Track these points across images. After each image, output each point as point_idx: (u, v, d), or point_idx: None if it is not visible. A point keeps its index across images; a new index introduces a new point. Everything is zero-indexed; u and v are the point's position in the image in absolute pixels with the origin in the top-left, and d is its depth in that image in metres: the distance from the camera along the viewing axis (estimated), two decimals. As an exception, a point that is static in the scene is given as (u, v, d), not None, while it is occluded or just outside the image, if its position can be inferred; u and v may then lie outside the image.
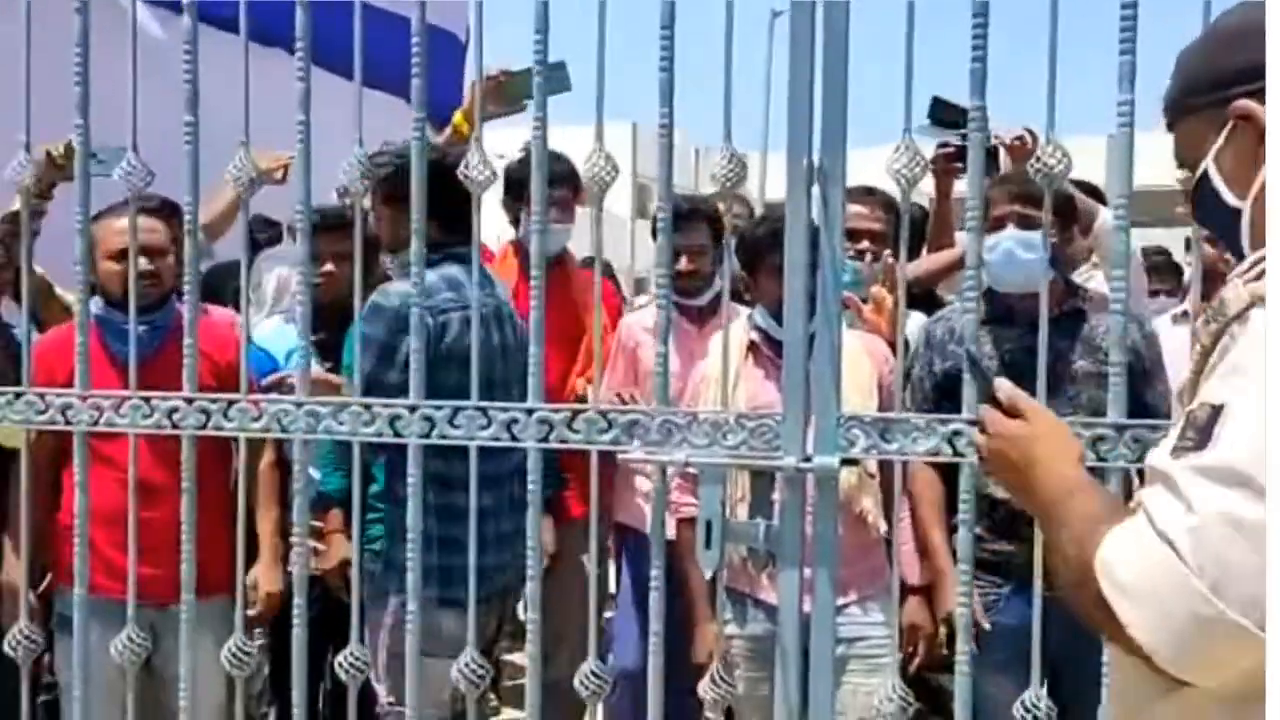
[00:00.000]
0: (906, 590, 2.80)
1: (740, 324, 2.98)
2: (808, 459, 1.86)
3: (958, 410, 2.71)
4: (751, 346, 2.82)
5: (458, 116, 3.14)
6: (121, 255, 2.71)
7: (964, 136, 3.25)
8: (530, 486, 1.99)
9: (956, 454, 1.83)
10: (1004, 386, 1.43)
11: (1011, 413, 1.40)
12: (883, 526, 2.80)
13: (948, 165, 3.29)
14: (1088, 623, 1.16)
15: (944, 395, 2.71)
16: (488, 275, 2.83)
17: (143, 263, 2.81)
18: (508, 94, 2.83)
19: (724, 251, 3.72)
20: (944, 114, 3.24)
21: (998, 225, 2.68)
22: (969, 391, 1.83)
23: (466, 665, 2.05)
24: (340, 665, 2.08)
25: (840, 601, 1.91)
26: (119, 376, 2.54)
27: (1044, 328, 1.85)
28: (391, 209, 2.65)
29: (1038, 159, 1.81)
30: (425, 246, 2.03)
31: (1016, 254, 2.68)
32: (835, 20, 1.82)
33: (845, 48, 1.84)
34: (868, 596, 2.71)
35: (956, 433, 1.82)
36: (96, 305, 2.98)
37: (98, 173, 2.10)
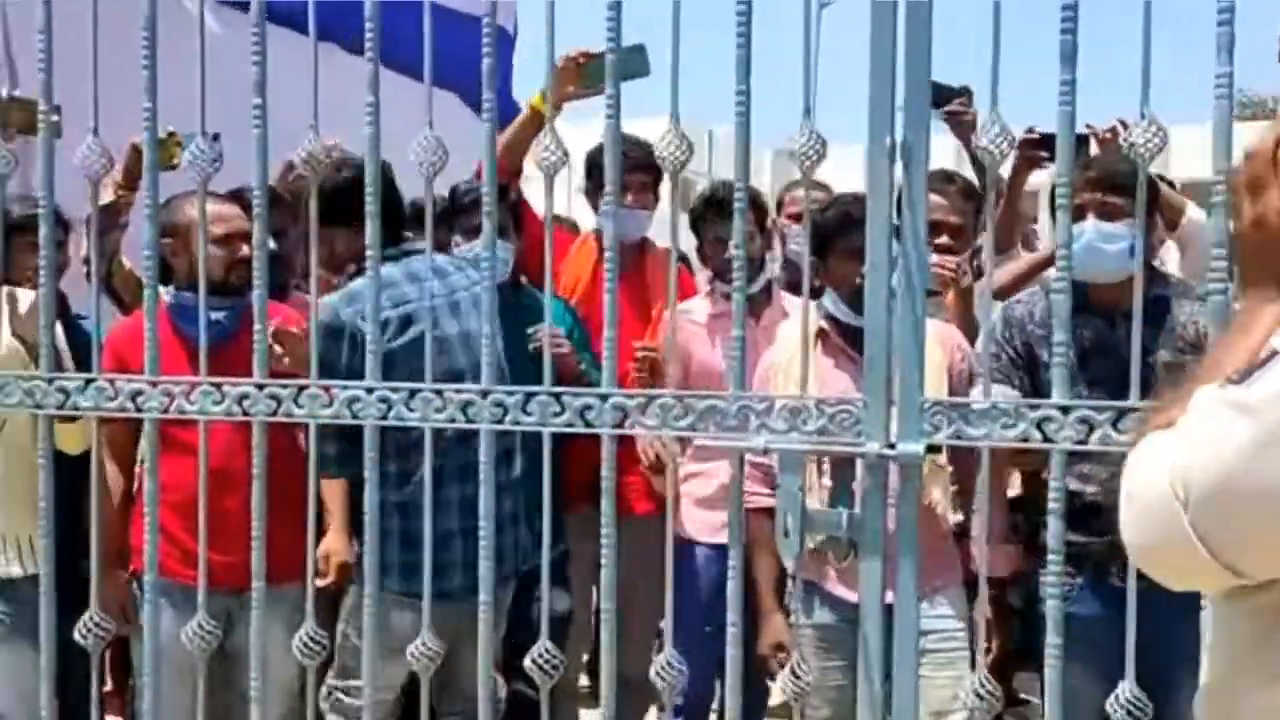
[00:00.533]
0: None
1: (810, 311, 2.94)
2: (891, 445, 1.81)
3: (1035, 387, 2.68)
4: (820, 334, 2.77)
5: (535, 98, 3.07)
6: (222, 242, 2.73)
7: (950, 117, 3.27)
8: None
9: (1046, 440, 1.77)
10: None
11: None
12: (952, 517, 2.75)
13: (1031, 153, 3.19)
14: None
15: (1023, 371, 2.65)
16: (440, 267, 2.87)
17: (245, 250, 2.84)
18: (587, 75, 2.75)
19: (771, 237, 3.69)
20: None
21: (1078, 214, 2.61)
22: (1059, 374, 1.78)
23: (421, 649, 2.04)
24: (412, 654, 2.05)
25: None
26: (188, 364, 2.55)
27: (1138, 321, 1.77)
28: (324, 228, 2.44)
29: (1128, 138, 1.76)
30: (362, 251, 2.07)
31: (1097, 245, 2.60)
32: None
33: (929, 21, 1.79)
34: (937, 589, 2.66)
35: (1046, 418, 1.77)
36: (168, 293, 2.99)
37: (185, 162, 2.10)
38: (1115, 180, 2.57)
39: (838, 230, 2.61)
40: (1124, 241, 2.57)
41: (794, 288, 3.35)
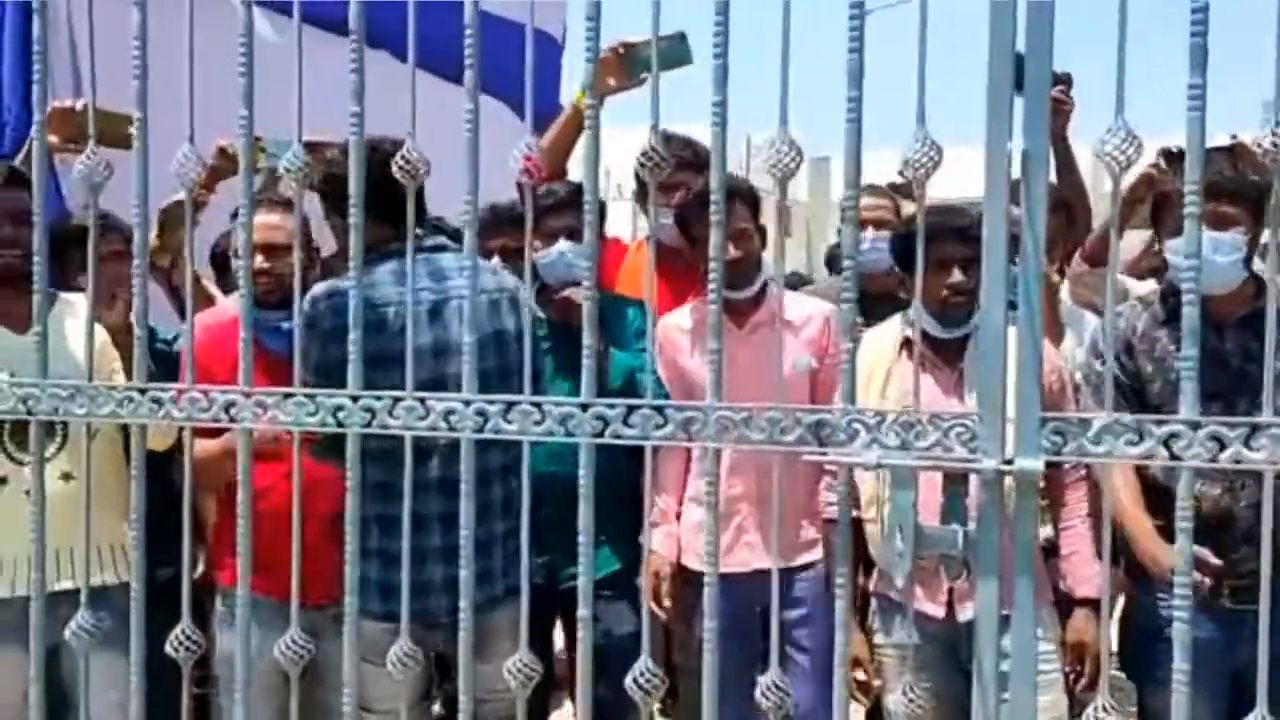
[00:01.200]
0: (1073, 603, 2.68)
1: (894, 322, 2.88)
2: (1009, 461, 1.76)
3: (1143, 404, 2.61)
4: (905, 343, 2.71)
5: (578, 94, 3.01)
6: (281, 252, 2.73)
7: None
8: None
9: (1174, 457, 1.71)
10: None
11: None
12: (1042, 534, 2.69)
13: (1165, 169, 3.10)
14: None
15: (1121, 392, 2.58)
16: (441, 268, 2.78)
17: (258, 261, 2.84)
18: (629, 66, 2.68)
19: (765, 234, 3.50)
20: None
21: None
22: (1189, 389, 1.71)
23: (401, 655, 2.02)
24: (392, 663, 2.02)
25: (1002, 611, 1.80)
26: (263, 375, 2.52)
27: (1271, 333, 1.70)
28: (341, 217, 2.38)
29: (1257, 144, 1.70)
30: (368, 244, 2.08)
31: (1209, 256, 2.52)
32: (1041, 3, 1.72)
33: (1051, 24, 1.73)
34: (1027, 608, 2.59)
35: (1174, 435, 1.70)
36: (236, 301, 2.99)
37: (267, 164, 2.08)
38: (1225, 187, 2.50)
39: (928, 240, 2.55)
40: (1237, 252, 2.50)
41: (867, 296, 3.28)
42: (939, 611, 2.62)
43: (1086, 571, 2.64)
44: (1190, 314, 1.72)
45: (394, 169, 1.99)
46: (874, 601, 2.76)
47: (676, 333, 3.19)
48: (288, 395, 2.06)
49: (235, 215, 2.93)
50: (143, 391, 2.12)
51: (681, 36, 2.47)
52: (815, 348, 3.11)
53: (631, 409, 1.92)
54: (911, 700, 1.84)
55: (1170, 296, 2.69)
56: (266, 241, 2.83)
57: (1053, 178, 3.36)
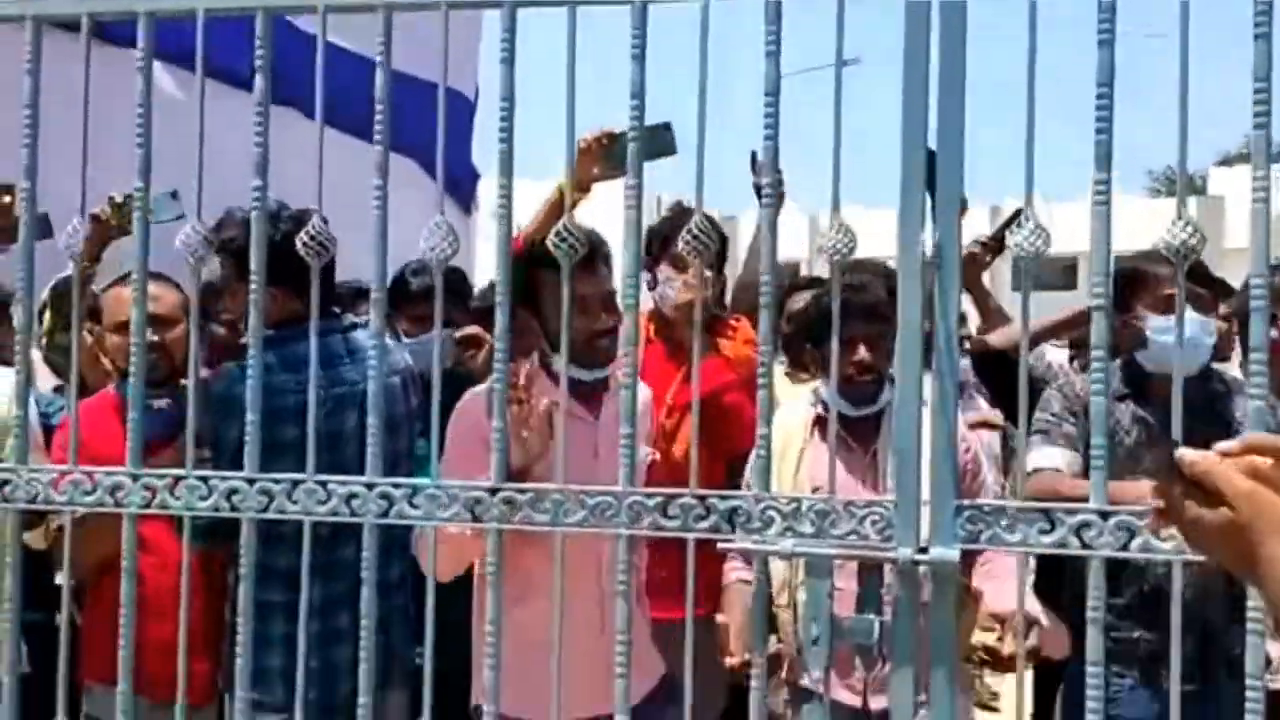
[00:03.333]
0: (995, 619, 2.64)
1: (803, 400, 2.87)
2: (924, 550, 1.75)
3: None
4: (818, 421, 2.70)
5: (561, 182, 2.94)
6: (126, 326, 2.61)
7: None
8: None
9: (1085, 546, 1.72)
10: (1189, 458, 1.11)
11: (1208, 491, 1.11)
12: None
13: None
14: None
15: (1077, 446, 2.61)
16: (358, 347, 2.63)
17: (178, 332, 2.71)
18: (612, 156, 2.62)
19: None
20: None
21: (1171, 305, 2.57)
22: (1098, 479, 1.73)
23: None
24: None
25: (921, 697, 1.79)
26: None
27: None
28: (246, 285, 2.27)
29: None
30: (287, 320, 2.06)
31: (1201, 339, 2.58)
32: (951, 54, 1.74)
33: (961, 124, 1.76)
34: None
35: (1086, 524, 1.72)
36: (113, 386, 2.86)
37: (152, 221, 2.00)
38: (1202, 272, 2.57)
39: (825, 320, 2.54)
40: (1213, 334, 2.57)
41: None
42: (854, 700, 2.58)
43: (1004, 587, 2.59)
44: (1097, 403, 1.75)
45: (298, 245, 1.93)
46: (784, 690, 2.71)
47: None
48: (179, 478, 1.97)
49: (107, 289, 2.83)
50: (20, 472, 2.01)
51: (666, 126, 2.41)
52: (650, 436, 2.74)
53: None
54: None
55: (1130, 369, 2.72)
56: (153, 315, 2.71)
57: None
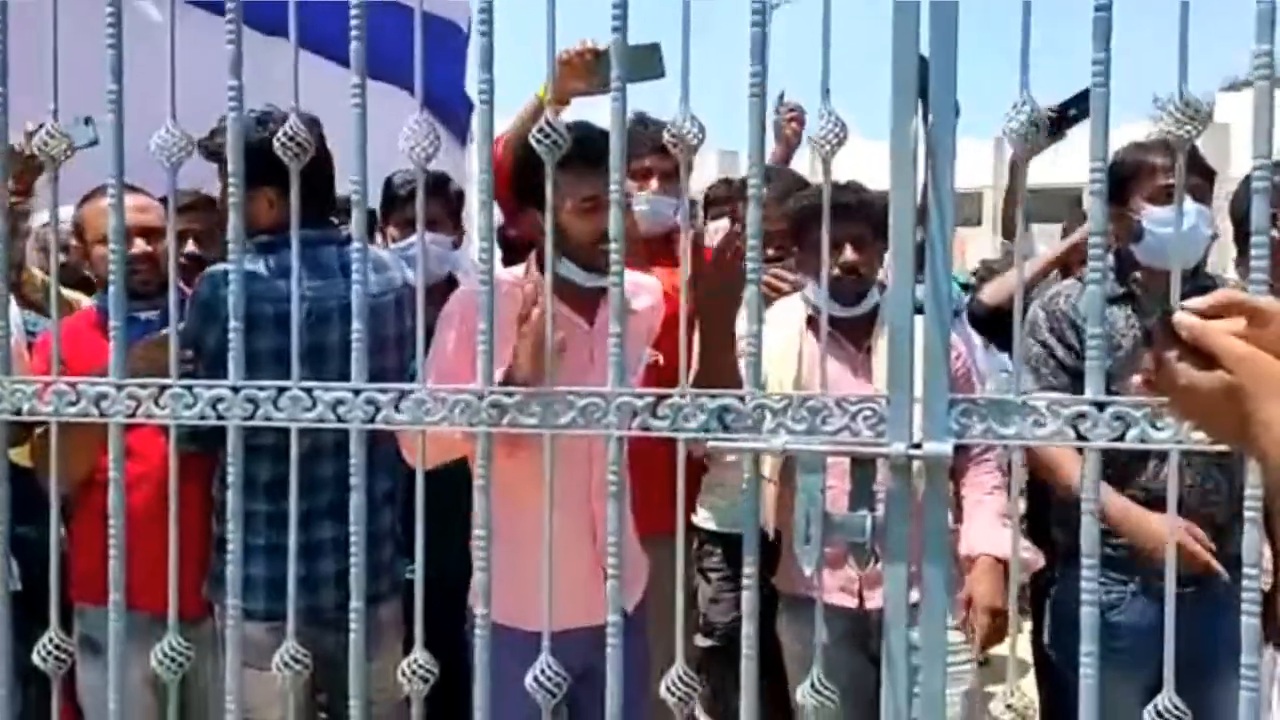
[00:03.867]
0: (968, 561, 2.64)
1: (795, 301, 2.84)
2: (917, 445, 1.72)
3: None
4: (810, 321, 2.68)
5: (541, 90, 2.87)
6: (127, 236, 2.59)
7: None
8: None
9: (1080, 438, 1.69)
10: (1187, 322, 1.07)
11: (1204, 355, 1.07)
12: (951, 522, 2.66)
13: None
14: None
15: (1070, 375, 2.56)
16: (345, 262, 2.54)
17: (139, 244, 2.69)
18: (594, 72, 2.54)
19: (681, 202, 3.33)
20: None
21: (1171, 196, 2.49)
22: (1094, 369, 1.70)
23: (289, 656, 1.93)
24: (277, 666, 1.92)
25: (912, 598, 1.77)
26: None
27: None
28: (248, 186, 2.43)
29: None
30: (278, 227, 2.00)
31: (1201, 230, 2.51)
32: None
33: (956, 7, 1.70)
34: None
35: (1081, 415, 1.68)
36: (96, 298, 2.83)
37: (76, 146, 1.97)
38: (1201, 162, 2.51)
39: (815, 219, 2.49)
40: (1212, 226, 2.52)
41: None
42: (849, 601, 2.59)
43: (986, 530, 2.59)
44: (1093, 292, 1.71)
45: (276, 146, 1.89)
46: (780, 600, 2.71)
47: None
48: (163, 387, 1.94)
49: (83, 201, 2.78)
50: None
51: (655, 47, 2.30)
52: (650, 335, 2.57)
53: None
54: (820, 693, 1.79)
55: (1123, 267, 2.66)
56: (142, 225, 2.68)
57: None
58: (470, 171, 5.93)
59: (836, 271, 2.58)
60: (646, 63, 2.03)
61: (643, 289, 2.47)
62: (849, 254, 2.61)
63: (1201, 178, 2.52)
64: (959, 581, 2.61)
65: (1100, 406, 1.68)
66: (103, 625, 2.02)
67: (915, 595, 1.76)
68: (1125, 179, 2.57)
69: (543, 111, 1.91)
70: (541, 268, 2.29)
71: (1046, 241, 5.47)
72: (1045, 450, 2.44)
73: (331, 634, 2.33)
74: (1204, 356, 1.08)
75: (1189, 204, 2.47)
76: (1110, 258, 2.65)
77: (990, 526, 2.60)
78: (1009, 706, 1.74)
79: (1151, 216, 2.55)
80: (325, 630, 2.40)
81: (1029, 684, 3.14)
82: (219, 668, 2.06)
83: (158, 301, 2.61)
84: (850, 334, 2.65)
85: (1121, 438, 1.67)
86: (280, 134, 1.89)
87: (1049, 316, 2.65)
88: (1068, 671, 1.89)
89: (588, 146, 1.93)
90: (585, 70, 2.44)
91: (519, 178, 2.33)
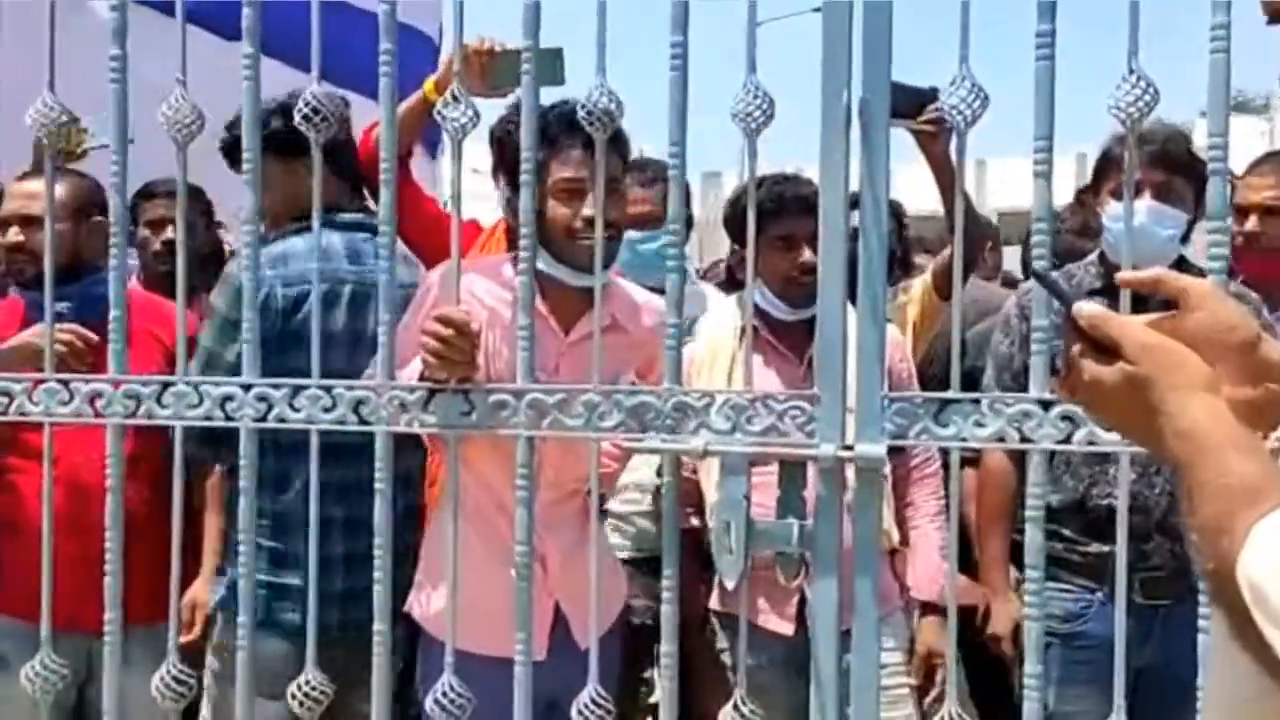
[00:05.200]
0: (923, 609, 2.52)
1: (729, 304, 2.69)
2: (848, 447, 1.59)
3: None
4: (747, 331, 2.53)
5: (427, 84, 2.77)
6: (39, 223, 2.44)
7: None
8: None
9: (1024, 439, 1.56)
10: (1086, 311, 1.00)
11: (1105, 347, 0.99)
12: (895, 535, 2.52)
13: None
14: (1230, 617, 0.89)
15: (1050, 375, 2.43)
16: (359, 249, 2.42)
17: (12, 233, 2.55)
18: (494, 74, 2.41)
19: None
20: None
21: (1139, 190, 2.34)
22: (1039, 368, 1.57)
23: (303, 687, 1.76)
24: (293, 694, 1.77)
25: (847, 625, 1.63)
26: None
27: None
28: (284, 164, 2.32)
29: None
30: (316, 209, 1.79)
31: (1150, 226, 2.35)
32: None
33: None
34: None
35: (1025, 414, 1.56)
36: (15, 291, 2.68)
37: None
38: (1178, 160, 2.38)
39: (769, 214, 2.34)
40: (1175, 227, 2.39)
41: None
42: (787, 628, 2.41)
43: (931, 574, 2.47)
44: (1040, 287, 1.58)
45: (296, 118, 1.75)
46: (713, 620, 2.54)
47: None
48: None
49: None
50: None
51: (557, 53, 2.16)
52: (645, 363, 2.34)
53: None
54: (744, 717, 1.65)
55: (1105, 264, 2.52)
56: (17, 213, 2.53)
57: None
58: (441, 177, 5.80)
59: (793, 272, 2.43)
60: (549, 68, 1.89)
61: (647, 311, 2.25)
62: (807, 254, 2.37)
63: (1174, 173, 2.39)
64: (900, 603, 2.48)
65: (1045, 405, 1.55)
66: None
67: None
68: (1097, 172, 2.46)
69: (429, 108, 1.77)
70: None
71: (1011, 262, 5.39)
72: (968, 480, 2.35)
73: (338, 651, 2.12)
74: (1109, 350, 0.98)
75: (1142, 202, 2.35)
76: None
77: (935, 565, 2.46)
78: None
79: (1109, 212, 2.44)
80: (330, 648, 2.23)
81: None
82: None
83: (67, 290, 2.45)
84: (790, 341, 2.49)
85: (1068, 439, 1.54)
86: (300, 104, 1.74)
87: (1020, 316, 2.53)
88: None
89: (572, 127, 1.78)
90: (482, 70, 2.28)
91: (504, 163, 2.15)
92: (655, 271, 2.10)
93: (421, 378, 1.78)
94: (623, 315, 2.17)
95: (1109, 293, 2.48)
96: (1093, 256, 2.57)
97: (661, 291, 1.82)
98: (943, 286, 2.98)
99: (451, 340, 1.70)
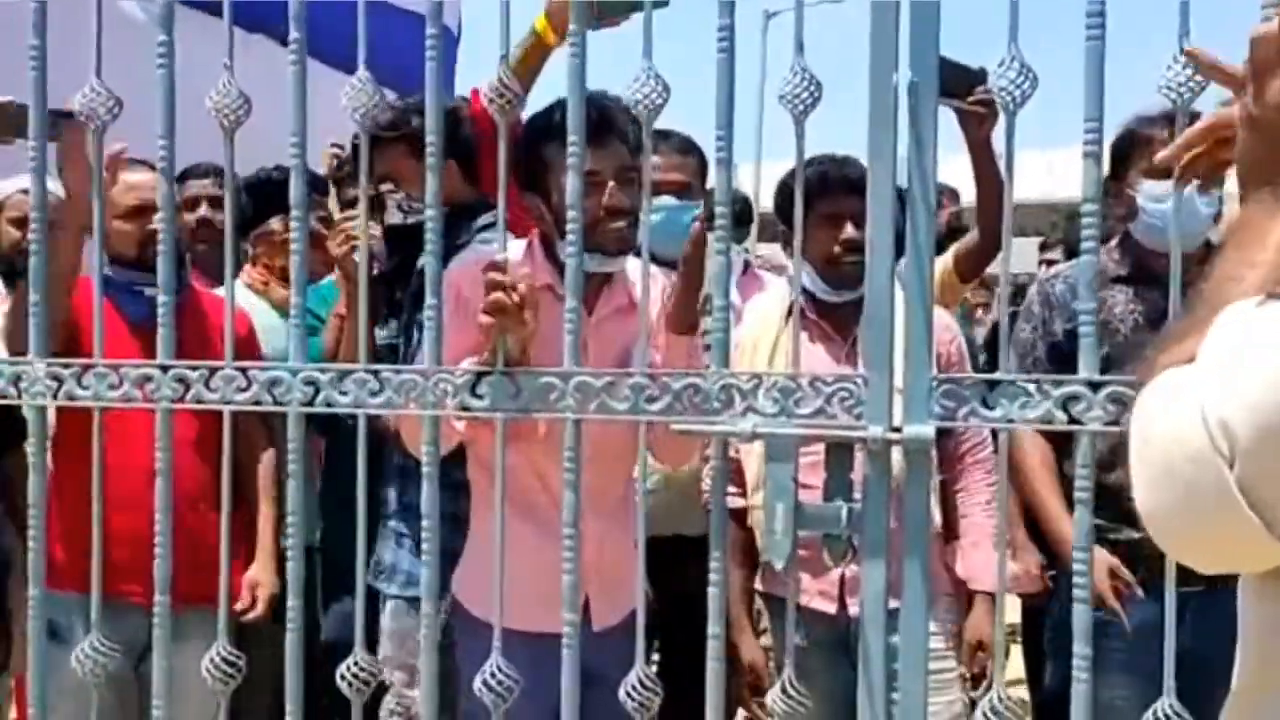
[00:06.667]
0: (972, 597, 2.50)
1: (780, 286, 2.70)
2: (897, 429, 1.59)
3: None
4: (793, 308, 2.52)
5: (540, 21, 2.56)
6: (133, 214, 2.53)
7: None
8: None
9: (1073, 421, 1.56)
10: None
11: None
12: (937, 518, 2.51)
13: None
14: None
15: (1062, 361, 2.41)
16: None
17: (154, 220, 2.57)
18: (601, 6, 2.37)
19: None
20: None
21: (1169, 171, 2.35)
22: (1088, 347, 1.57)
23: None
24: (342, 676, 1.78)
25: (892, 605, 1.62)
26: (136, 344, 2.28)
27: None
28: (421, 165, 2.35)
29: None
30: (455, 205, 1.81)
31: (1195, 205, 2.28)
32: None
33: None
34: (920, 601, 2.42)
35: (1073, 397, 1.55)
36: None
37: None
38: (1227, 135, 2.35)
39: (814, 193, 2.33)
40: (1213, 204, 2.35)
41: None
42: (829, 607, 2.42)
43: (987, 562, 2.45)
44: (1089, 262, 1.58)
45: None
46: (758, 600, 2.55)
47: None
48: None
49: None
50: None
51: None
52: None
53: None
54: (791, 698, 1.65)
55: (1127, 249, 2.50)
56: (143, 203, 2.51)
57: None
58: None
59: (837, 250, 2.43)
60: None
61: (655, 282, 2.25)
62: (851, 231, 2.39)
63: (1228, 151, 2.36)
64: (958, 604, 2.47)
65: (1094, 387, 1.55)
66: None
67: (895, 603, 1.62)
68: (1124, 153, 2.43)
69: (546, 50, 1.77)
70: (545, 250, 2.14)
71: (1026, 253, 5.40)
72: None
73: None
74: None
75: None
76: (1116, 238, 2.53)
77: (991, 554, 2.45)
78: (993, 711, 1.60)
79: (1145, 192, 2.41)
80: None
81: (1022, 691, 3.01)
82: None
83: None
84: (836, 322, 2.48)
85: (1116, 422, 1.54)
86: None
87: (1043, 304, 2.52)
88: (1064, 675, 1.76)
89: (591, 119, 1.79)
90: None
91: (522, 157, 2.15)
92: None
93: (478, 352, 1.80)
94: (637, 295, 2.17)
95: (1133, 280, 2.47)
96: (1112, 243, 2.55)
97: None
98: (965, 270, 2.98)
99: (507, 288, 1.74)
